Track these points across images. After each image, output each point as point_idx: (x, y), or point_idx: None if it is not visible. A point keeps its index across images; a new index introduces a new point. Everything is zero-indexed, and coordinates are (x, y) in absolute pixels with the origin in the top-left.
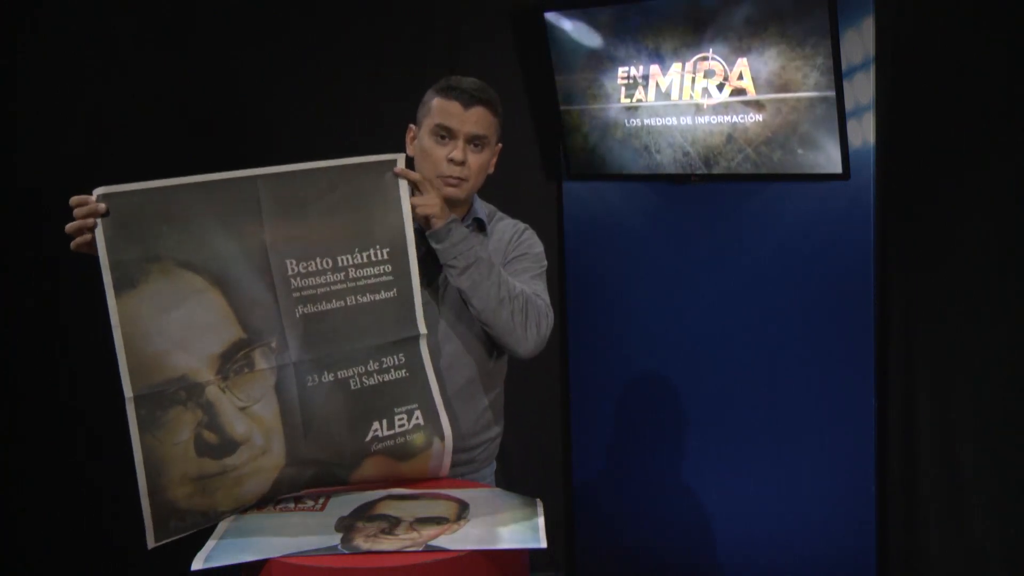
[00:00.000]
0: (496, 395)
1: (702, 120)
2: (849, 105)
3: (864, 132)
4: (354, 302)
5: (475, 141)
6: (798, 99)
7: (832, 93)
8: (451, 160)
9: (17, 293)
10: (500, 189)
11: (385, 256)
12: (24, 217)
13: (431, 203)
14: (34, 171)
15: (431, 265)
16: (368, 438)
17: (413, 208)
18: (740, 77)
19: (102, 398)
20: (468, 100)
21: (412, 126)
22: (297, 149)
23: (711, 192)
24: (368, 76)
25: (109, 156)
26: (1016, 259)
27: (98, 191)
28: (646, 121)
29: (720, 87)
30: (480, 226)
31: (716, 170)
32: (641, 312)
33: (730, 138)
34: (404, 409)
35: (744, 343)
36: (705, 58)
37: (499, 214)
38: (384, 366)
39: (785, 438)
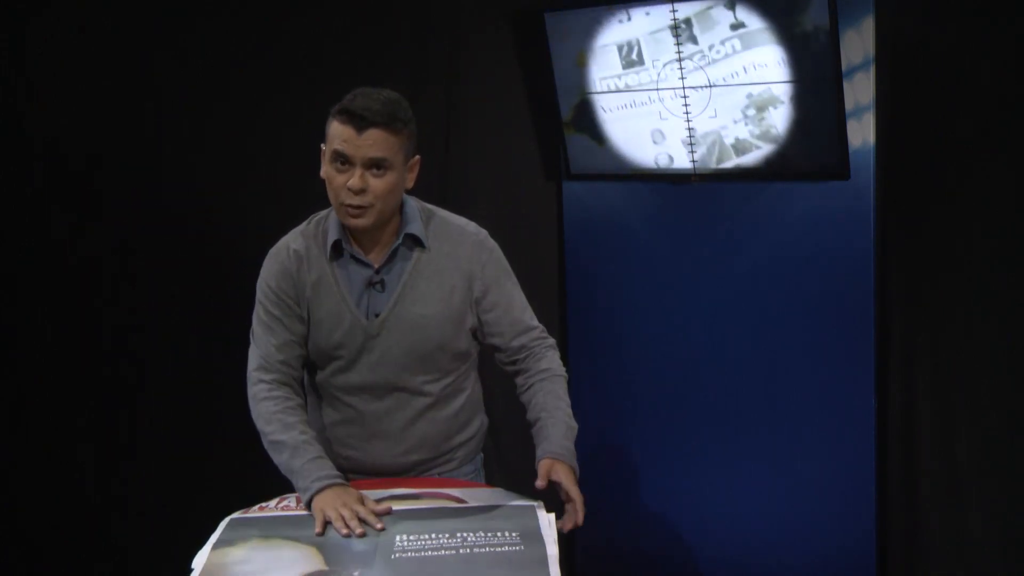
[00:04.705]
0: (464, 398)
1: (702, 120)
2: (849, 105)
3: (864, 132)
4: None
5: (375, 165)
6: (798, 99)
7: (832, 93)
8: (349, 188)
9: (17, 291)
10: (500, 189)
11: None
12: (26, 219)
13: (582, 510)
14: (34, 172)
15: (375, 294)
16: None
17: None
18: (740, 77)
19: (103, 399)
20: (360, 124)
21: (323, 146)
22: (297, 149)
23: (711, 192)
24: (368, 76)
25: (108, 156)
26: (1016, 259)
27: (231, 517)
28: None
29: (719, 86)
30: (416, 241)
31: (716, 170)
32: (641, 312)
33: (730, 138)
34: None
35: (744, 343)
36: (704, 58)
37: (436, 216)
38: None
39: (785, 438)
